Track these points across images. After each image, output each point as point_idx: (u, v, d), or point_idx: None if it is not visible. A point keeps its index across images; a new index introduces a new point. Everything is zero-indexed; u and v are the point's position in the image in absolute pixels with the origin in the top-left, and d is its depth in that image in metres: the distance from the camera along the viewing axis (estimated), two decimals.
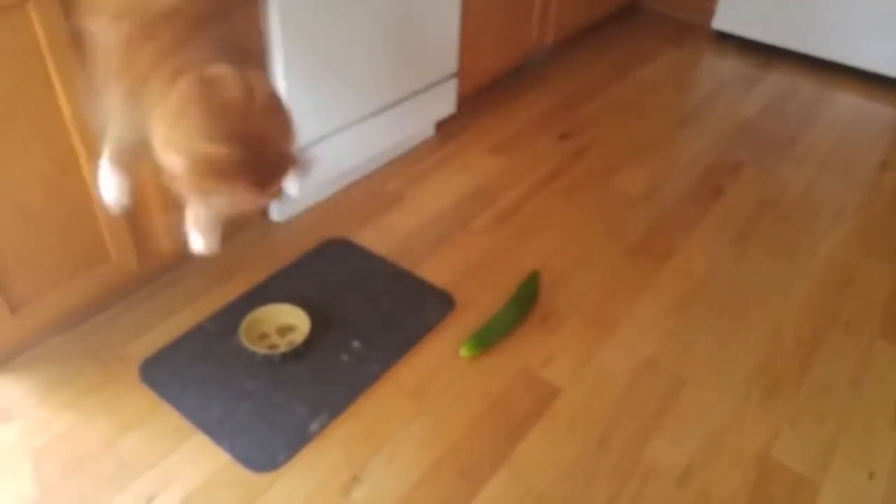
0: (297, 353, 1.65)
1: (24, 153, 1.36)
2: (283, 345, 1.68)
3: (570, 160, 2.44)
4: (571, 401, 1.59)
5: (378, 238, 2.05)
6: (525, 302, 1.78)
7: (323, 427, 1.50)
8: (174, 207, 1.68)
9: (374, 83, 2.09)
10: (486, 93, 2.79)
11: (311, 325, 1.70)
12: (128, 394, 1.56)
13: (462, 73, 2.44)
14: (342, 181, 2.25)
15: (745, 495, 1.41)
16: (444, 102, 2.42)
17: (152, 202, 1.64)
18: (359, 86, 2.04)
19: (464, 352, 1.66)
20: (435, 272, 1.92)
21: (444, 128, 2.56)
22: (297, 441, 1.47)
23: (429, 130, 2.51)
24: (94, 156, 1.44)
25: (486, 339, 1.68)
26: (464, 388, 1.61)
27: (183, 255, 1.84)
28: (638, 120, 2.70)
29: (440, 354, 1.68)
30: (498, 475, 1.42)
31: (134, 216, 1.62)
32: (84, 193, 1.50)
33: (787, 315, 1.84)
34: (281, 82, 1.78)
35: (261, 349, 1.65)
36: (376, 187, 2.27)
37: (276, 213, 2.09)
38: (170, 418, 1.51)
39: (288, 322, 1.73)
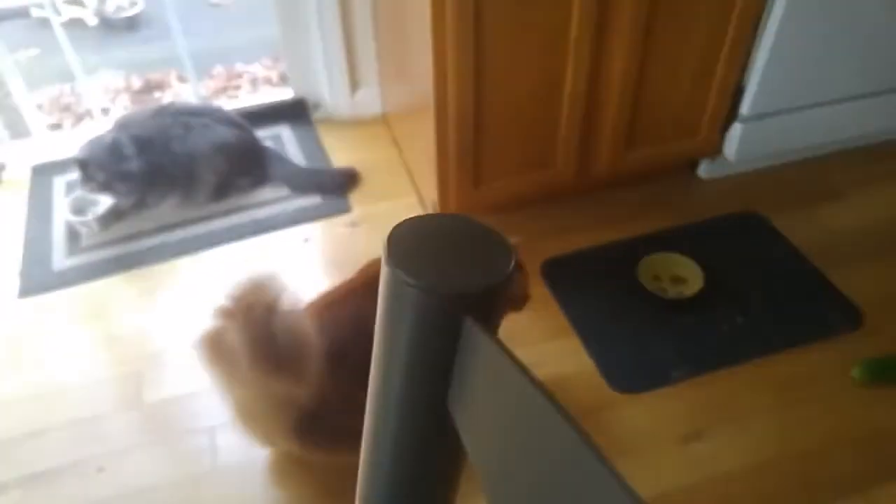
0: (683, 305, 1.72)
1: (528, 67, 1.64)
2: (672, 293, 1.76)
3: None
4: None
5: (798, 227, 1.95)
6: None
7: (683, 379, 1.57)
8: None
9: (861, 69, 1.93)
10: None
11: (704, 284, 1.74)
12: (530, 282, 1.81)
13: None
14: (783, 158, 2.15)
15: None
16: None
17: (607, 133, 1.82)
18: (844, 67, 1.90)
19: (856, 373, 1.55)
20: (851, 283, 1.78)
21: None
22: (657, 379, 1.57)
23: None
24: (577, 81, 1.65)
25: (888, 371, 1.54)
26: (840, 407, 1.51)
27: (612, 182, 2.01)
28: None
29: (825, 365, 1.59)
30: (845, 501, 1.34)
31: (588, 137, 1.82)
32: (557, 106, 1.73)
33: None
34: (767, 48, 1.78)
35: (650, 287, 1.75)
36: (816, 175, 2.14)
37: (706, 170, 2.12)
38: (554, 313, 1.73)
39: (682, 274, 1.79)
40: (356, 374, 1.19)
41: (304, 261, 1.89)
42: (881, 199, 2.04)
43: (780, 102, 1.90)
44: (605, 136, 1.83)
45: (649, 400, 1.54)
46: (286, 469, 1.43)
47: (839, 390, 1.55)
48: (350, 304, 1.26)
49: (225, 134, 1.98)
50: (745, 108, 1.89)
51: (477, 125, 1.70)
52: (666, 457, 1.44)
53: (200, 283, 1.83)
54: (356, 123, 2.39)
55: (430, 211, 1.95)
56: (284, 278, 1.13)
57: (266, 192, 2.08)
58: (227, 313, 1.07)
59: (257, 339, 1.06)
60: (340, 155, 2.24)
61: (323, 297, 1.30)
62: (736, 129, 1.94)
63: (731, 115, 1.93)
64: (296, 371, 1.10)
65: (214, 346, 1.11)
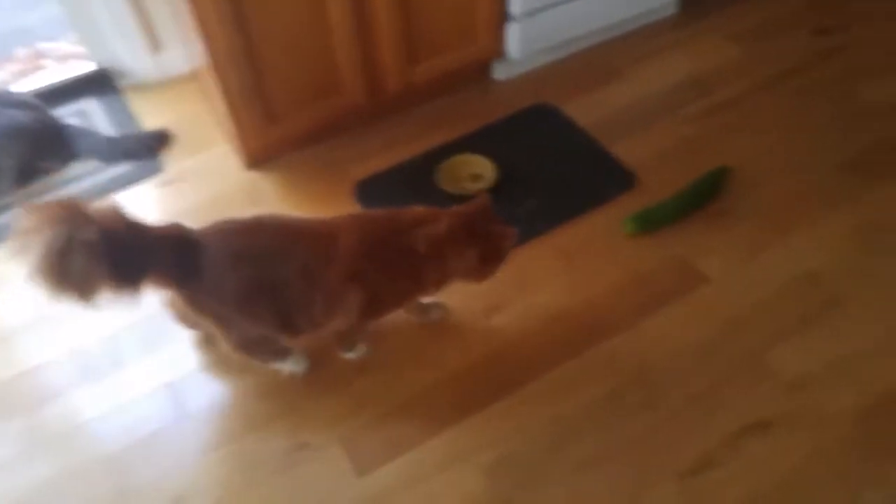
0: None
1: None
2: (471, 190, 1.92)
3: (819, 59, 2.24)
4: (715, 292, 1.64)
5: (585, 110, 2.14)
6: (703, 194, 1.80)
7: None
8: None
9: None
10: None
11: (498, 177, 1.91)
12: (342, 205, 1.92)
13: None
14: (567, 49, 2.33)
15: (850, 419, 1.40)
16: None
17: (386, 52, 1.92)
18: None
19: (626, 227, 1.76)
20: (627, 150, 1.99)
21: (688, 7, 2.46)
22: None
23: (670, 9, 2.45)
24: (340, 6, 1.74)
25: (650, 221, 1.76)
26: (616, 260, 1.73)
27: (407, 99, 2.12)
28: None
29: (604, 226, 1.80)
30: (618, 337, 1.57)
31: (368, 60, 1.92)
32: (327, 33, 1.81)
33: None
34: None
35: (452, 190, 1.91)
36: (598, 61, 2.32)
37: (499, 72, 2.26)
38: None
39: (479, 171, 1.95)
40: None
41: None
42: (652, 74, 2.25)
43: None
44: (386, 55, 1.94)
45: (454, 287, 1.70)
46: None
47: (615, 245, 1.76)
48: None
49: (15, 117, 1.96)
50: (514, 6, 2.03)
51: (252, 60, 1.76)
52: (472, 332, 1.62)
53: (11, 274, 1.75)
54: (166, 84, 2.39)
55: (242, 156, 2.01)
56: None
57: (75, 169, 2.08)
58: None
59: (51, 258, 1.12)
60: (152, 118, 2.25)
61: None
62: (512, 28, 2.09)
63: (505, 15, 2.07)
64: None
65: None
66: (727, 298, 1.62)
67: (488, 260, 1.39)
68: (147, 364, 1.60)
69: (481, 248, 1.36)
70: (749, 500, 1.31)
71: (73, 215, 1.15)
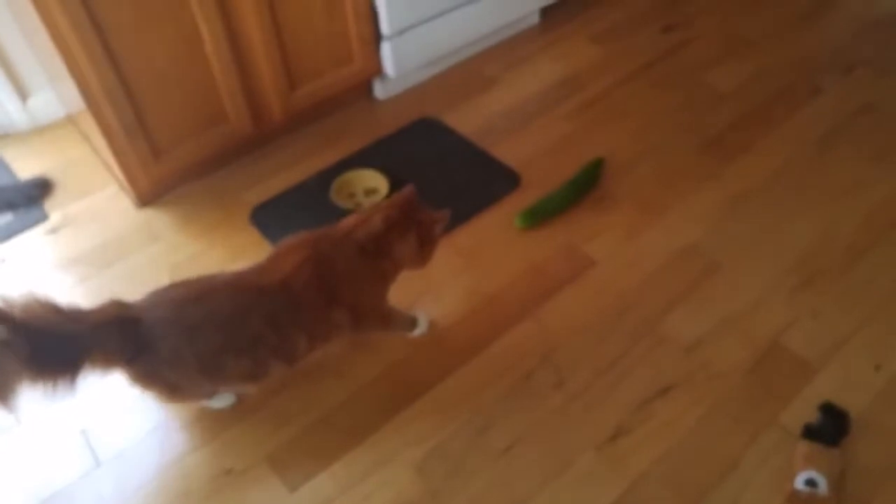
0: None
1: (158, 29, 1.70)
2: (366, 204, 1.97)
3: (668, 53, 2.46)
4: (605, 272, 1.76)
5: (465, 118, 2.25)
6: (583, 184, 1.94)
7: None
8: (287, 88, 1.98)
9: None
10: None
11: (391, 189, 1.97)
12: (240, 231, 1.93)
13: None
14: (444, 63, 2.43)
15: (743, 370, 1.55)
16: None
17: (265, 79, 1.95)
18: None
19: (517, 223, 1.87)
20: (509, 152, 2.10)
21: (550, 15, 2.64)
22: None
23: (533, 18, 2.61)
24: (214, 38, 1.76)
25: (539, 214, 1.87)
26: (511, 254, 1.83)
27: (293, 123, 2.16)
28: (751, 14, 2.61)
29: (496, 224, 1.90)
30: (522, 324, 1.66)
31: (249, 88, 1.94)
32: (204, 65, 1.83)
33: (852, 216, 1.85)
34: None
35: (348, 205, 1.95)
36: (474, 71, 2.45)
37: (380, 91, 2.34)
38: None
39: (373, 185, 2.01)
40: None
41: (5, 281, 1.85)
42: (524, 79, 2.40)
43: (412, 16, 2.15)
44: (266, 82, 1.97)
45: None
46: None
47: (509, 241, 1.86)
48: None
49: None
50: (384, 27, 2.11)
51: (130, 97, 1.75)
52: (383, 339, 1.66)
53: None
54: (39, 131, 2.32)
55: (132, 195, 1.98)
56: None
57: None
58: None
59: None
60: (29, 167, 2.18)
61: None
62: (386, 48, 2.17)
63: (378, 36, 2.15)
64: None
65: None
66: (616, 277, 1.75)
67: (424, 245, 1.47)
68: (55, 413, 1.55)
69: (417, 233, 1.44)
70: (662, 458, 1.42)
71: None
